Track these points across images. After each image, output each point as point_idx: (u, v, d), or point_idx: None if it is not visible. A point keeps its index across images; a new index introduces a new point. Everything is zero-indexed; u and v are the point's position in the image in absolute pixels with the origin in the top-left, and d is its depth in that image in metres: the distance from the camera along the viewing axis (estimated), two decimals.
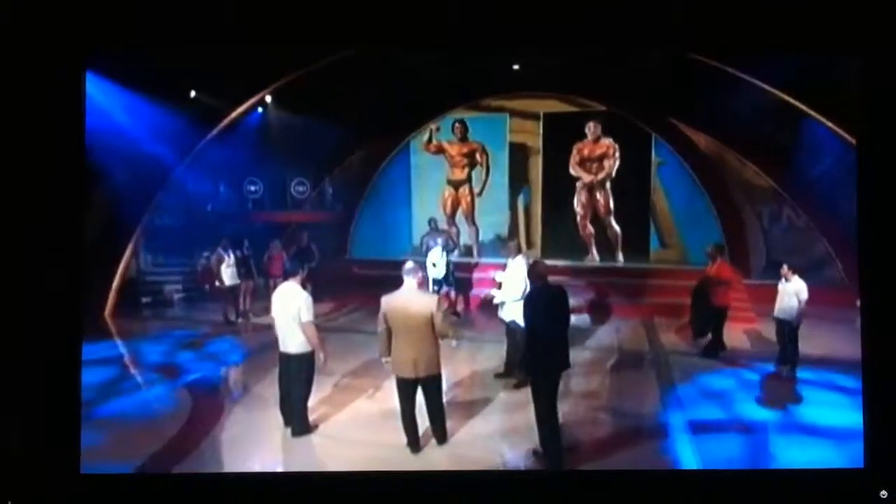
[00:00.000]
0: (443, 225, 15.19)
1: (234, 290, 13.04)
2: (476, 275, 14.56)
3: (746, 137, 14.40)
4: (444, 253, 12.73)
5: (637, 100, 15.12)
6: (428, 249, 13.33)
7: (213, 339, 11.73)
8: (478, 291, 13.51)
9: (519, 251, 9.15)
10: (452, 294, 13.22)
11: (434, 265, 12.70)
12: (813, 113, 12.14)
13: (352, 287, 14.46)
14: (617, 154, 15.13)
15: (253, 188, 16.59)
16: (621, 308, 13.22)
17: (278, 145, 15.64)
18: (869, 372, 6.26)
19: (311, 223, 16.09)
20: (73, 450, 5.97)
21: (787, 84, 11.77)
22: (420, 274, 6.87)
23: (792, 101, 12.12)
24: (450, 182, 16.19)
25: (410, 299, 6.74)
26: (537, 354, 6.59)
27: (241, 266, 13.17)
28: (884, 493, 5.86)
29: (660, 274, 14.30)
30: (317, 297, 13.69)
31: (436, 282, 12.55)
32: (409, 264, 6.87)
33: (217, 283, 12.95)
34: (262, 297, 11.55)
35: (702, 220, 15.35)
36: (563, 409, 7.12)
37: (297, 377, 7.21)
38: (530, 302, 6.80)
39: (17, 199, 6.09)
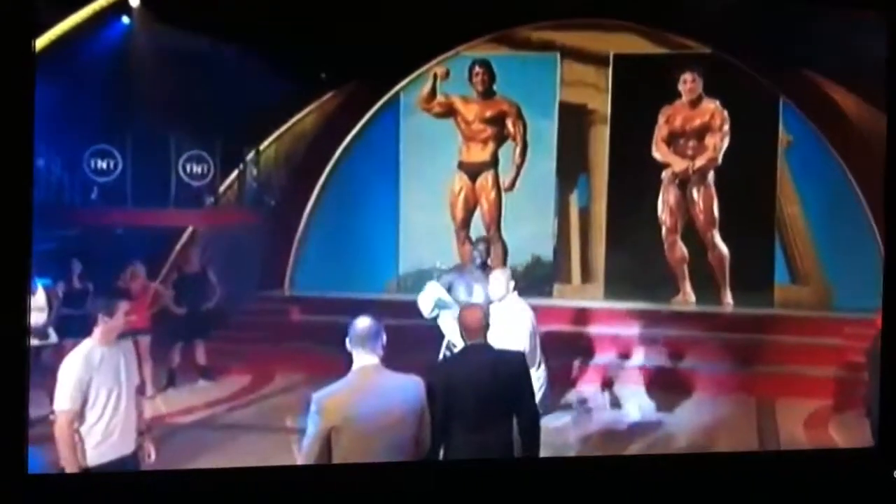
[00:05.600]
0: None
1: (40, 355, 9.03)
2: None
3: None
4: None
5: (759, 39, 12.00)
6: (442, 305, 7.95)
7: None
8: None
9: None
10: None
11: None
12: None
13: (290, 344, 11.48)
14: (727, 127, 12.25)
15: (104, 164, 12.32)
16: (724, 380, 10.86)
17: (154, 88, 11.44)
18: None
19: (214, 230, 12.76)
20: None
21: None
22: (382, 341, 4.53)
23: None
24: (462, 166, 12.92)
25: (374, 396, 4.53)
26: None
27: (67, 309, 9.27)
28: None
29: (790, 325, 11.63)
30: (220, 367, 10.18)
31: None
32: (364, 323, 4.48)
33: None
34: None
35: (855, 238, 12.11)
36: None
37: None
38: (447, 382, 4.76)
39: None
